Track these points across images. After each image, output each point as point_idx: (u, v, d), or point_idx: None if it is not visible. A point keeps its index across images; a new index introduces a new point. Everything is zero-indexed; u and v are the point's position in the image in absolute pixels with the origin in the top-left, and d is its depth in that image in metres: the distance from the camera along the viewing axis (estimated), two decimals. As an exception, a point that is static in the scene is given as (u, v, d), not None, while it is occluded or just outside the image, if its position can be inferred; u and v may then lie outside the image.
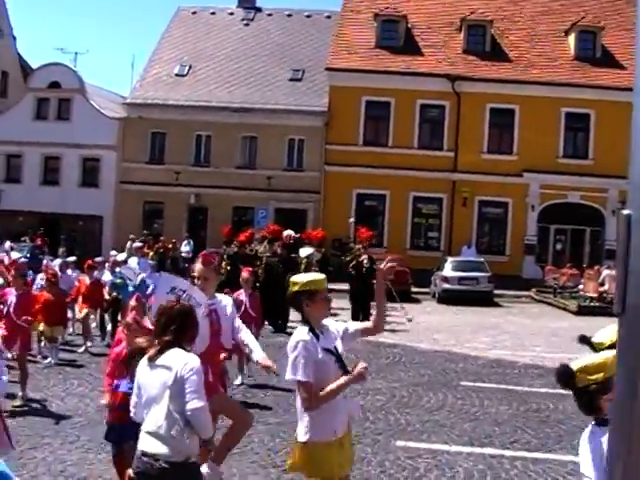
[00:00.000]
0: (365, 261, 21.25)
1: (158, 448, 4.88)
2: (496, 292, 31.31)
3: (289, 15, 47.72)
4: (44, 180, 43.08)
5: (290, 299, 5.54)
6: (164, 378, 4.95)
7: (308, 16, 47.66)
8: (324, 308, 5.48)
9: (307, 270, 21.07)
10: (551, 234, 39.69)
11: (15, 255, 21.95)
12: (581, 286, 31.35)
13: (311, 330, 5.33)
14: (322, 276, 5.70)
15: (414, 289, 31.47)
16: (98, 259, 19.42)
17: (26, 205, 41.14)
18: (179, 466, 4.87)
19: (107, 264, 18.97)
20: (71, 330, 17.52)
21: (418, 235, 40.54)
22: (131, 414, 5.26)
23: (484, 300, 29.75)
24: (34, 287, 15.69)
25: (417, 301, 30.21)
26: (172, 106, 41.18)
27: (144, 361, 5.15)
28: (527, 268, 38.39)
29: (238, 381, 12.60)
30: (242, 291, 13.75)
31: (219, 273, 7.41)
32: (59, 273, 16.53)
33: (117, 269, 17.64)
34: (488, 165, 38.37)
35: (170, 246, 36.29)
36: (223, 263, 21.26)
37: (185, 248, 36.90)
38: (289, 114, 40.32)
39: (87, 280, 17.16)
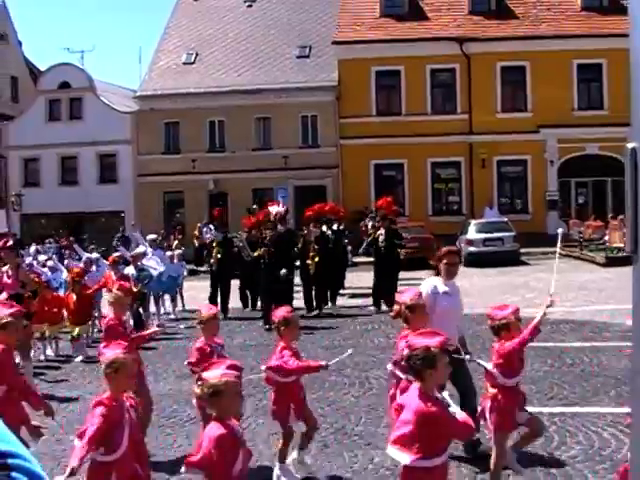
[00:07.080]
0: (381, 238, 19.22)
1: None
2: (522, 250, 31.16)
3: (291, -8, 47.40)
4: (63, 180, 43.36)
5: None
6: None
7: (310, -9, 47.32)
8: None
9: (304, 248, 19.56)
10: (572, 188, 39.51)
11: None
12: (606, 237, 31.16)
13: None
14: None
15: (440, 255, 31.38)
16: (117, 253, 19.03)
17: (47, 207, 41.47)
18: None
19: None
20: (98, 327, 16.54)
21: (439, 201, 40.51)
22: None
23: (511, 260, 29.60)
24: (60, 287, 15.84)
25: (444, 267, 30.13)
26: (183, 95, 41.22)
27: None
28: (551, 224, 38.10)
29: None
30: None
31: None
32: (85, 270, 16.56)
33: (139, 262, 17.55)
34: (503, 124, 38.16)
35: (196, 233, 36.24)
36: (214, 251, 20.07)
37: (207, 235, 36.76)
38: (300, 91, 40.21)
39: (113, 276, 16.96)
